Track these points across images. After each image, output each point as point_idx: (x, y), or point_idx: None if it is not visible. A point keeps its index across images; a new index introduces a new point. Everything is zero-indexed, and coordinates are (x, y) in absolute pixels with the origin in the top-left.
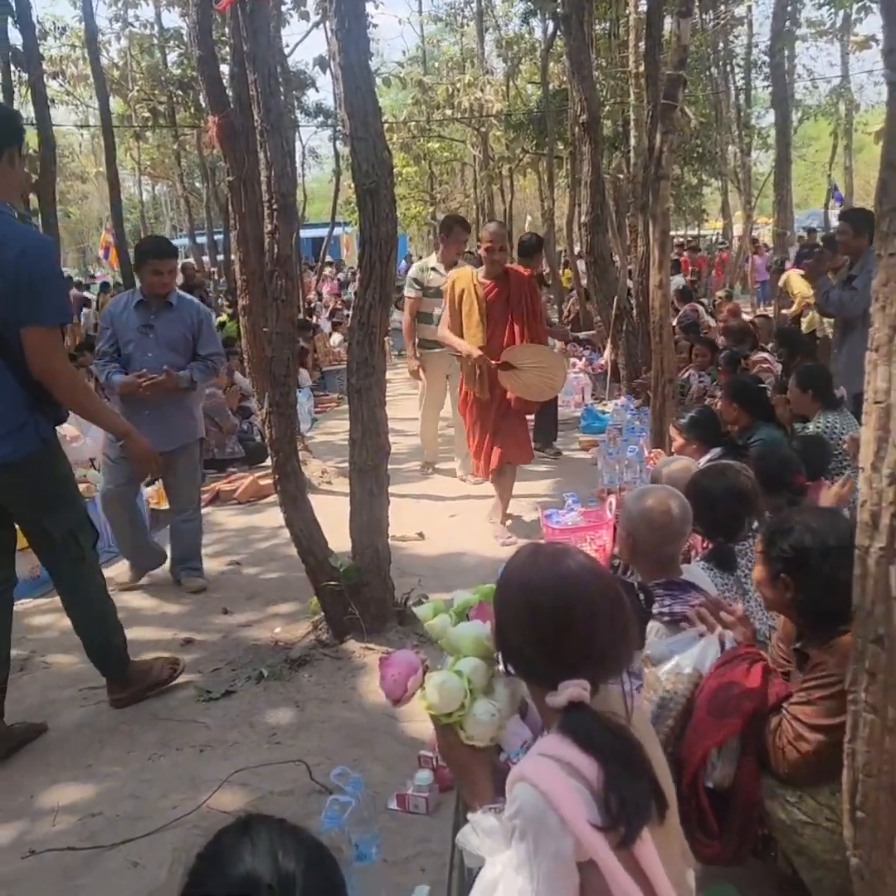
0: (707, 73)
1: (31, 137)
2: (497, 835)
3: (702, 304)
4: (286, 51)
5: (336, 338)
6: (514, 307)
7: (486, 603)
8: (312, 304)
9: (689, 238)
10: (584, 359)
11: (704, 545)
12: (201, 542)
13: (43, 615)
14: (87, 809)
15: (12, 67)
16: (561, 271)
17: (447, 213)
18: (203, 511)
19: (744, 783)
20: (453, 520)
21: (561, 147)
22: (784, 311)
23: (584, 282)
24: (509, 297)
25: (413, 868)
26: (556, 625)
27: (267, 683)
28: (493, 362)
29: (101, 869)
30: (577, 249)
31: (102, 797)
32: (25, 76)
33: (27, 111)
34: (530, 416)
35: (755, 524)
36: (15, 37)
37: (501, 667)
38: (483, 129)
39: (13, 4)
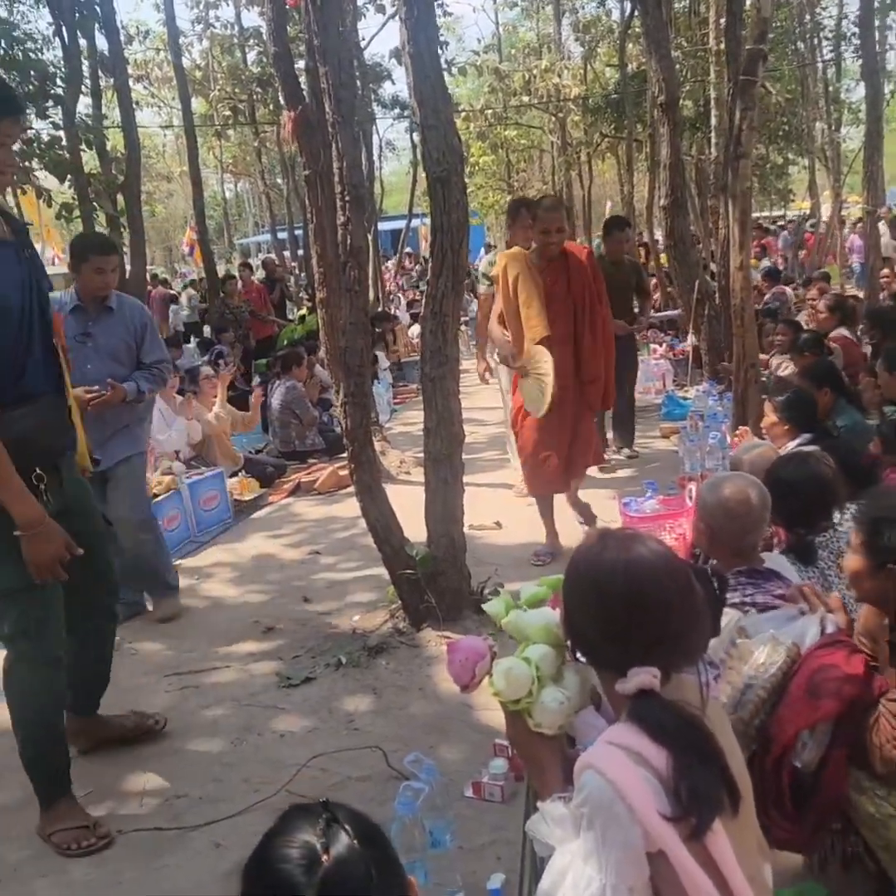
0: (793, 47)
1: (118, 140)
2: (567, 824)
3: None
4: (362, 44)
5: (415, 329)
6: (575, 291)
7: (559, 595)
8: (391, 296)
9: (779, 220)
10: (664, 344)
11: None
12: (164, 560)
13: None
14: (172, 791)
15: (99, 72)
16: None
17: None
18: (284, 502)
19: (831, 773)
20: (531, 509)
21: (640, 129)
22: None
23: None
24: (570, 281)
25: (488, 856)
26: (626, 610)
27: (345, 670)
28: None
29: (186, 850)
30: (656, 233)
31: (187, 779)
32: (112, 81)
33: (113, 115)
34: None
35: (836, 515)
36: (101, 43)
37: (571, 655)
38: (560, 115)
39: (99, 11)
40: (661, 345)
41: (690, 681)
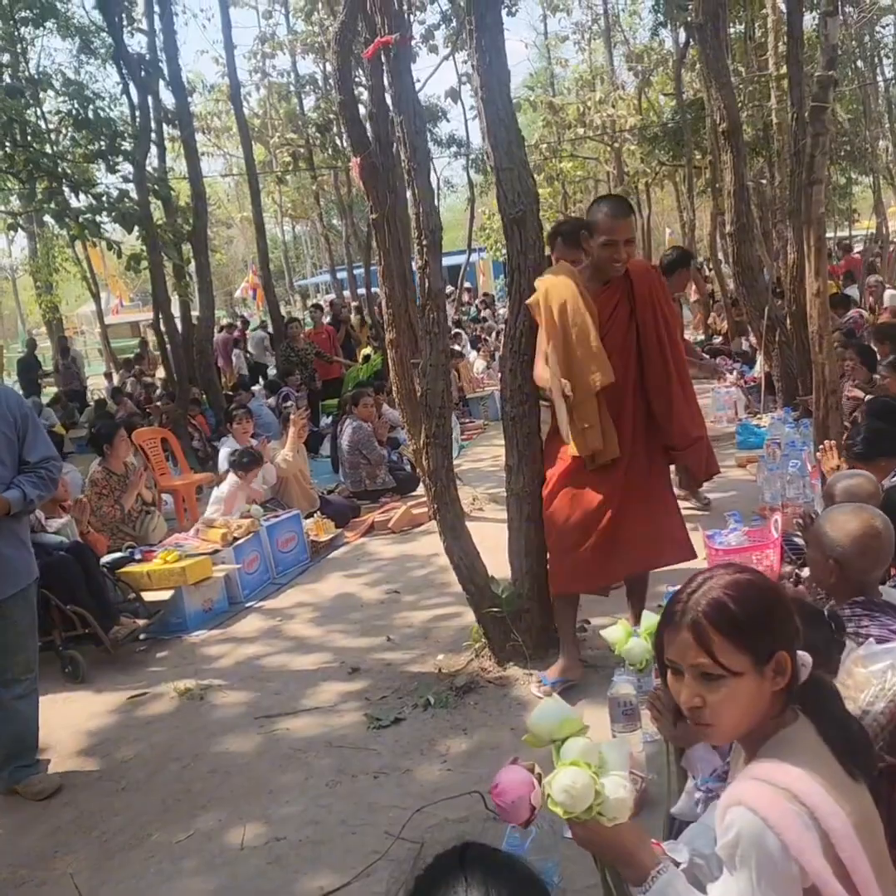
0: (853, 66)
1: (184, 190)
2: (695, 872)
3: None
4: (417, 85)
5: (479, 364)
6: (644, 324)
7: None
8: (454, 332)
9: (845, 240)
10: (735, 372)
11: None
12: (38, 727)
13: (216, 645)
14: (271, 834)
15: (163, 126)
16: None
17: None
18: (359, 541)
19: None
20: None
21: (699, 157)
22: None
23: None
24: (634, 309)
25: None
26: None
27: (434, 711)
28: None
29: (294, 893)
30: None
31: (286, 822)
32: (176, 133)
33: (179, 166)
34: None
35: None
36: (166, 97)
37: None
38: (616, 145)
39: (165, 69)
40: (731, 372)
41: None
